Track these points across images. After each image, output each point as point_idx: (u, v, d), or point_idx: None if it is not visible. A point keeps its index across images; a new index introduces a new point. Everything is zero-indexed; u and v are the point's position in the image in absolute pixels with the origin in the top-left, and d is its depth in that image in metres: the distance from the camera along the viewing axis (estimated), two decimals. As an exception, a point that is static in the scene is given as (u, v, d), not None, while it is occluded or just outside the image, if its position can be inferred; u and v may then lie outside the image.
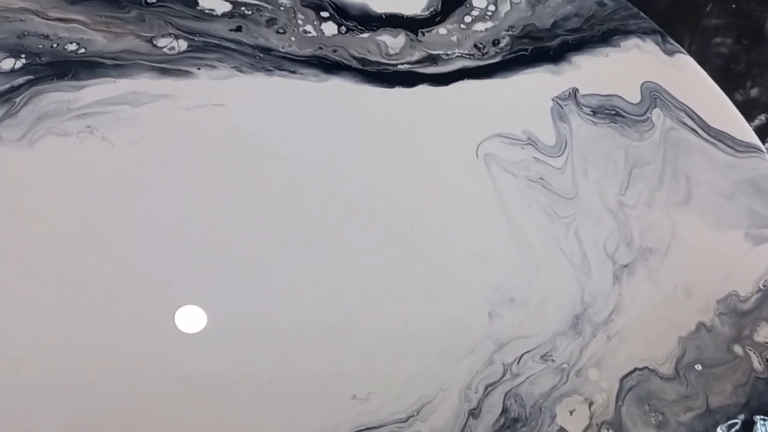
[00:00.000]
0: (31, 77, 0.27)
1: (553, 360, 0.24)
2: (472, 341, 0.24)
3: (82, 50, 0.28)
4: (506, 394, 0.24)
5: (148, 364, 0.23)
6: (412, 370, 0.23)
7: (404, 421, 0.23)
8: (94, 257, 0.24)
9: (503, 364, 0.24)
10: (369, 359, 0.23)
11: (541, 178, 0.27)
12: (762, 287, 0.26)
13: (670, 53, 0.31)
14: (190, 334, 0.23)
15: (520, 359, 0.24)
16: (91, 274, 0.24)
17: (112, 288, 0.24)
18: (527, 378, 0.24)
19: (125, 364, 0.23)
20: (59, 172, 0.25)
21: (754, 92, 0.40)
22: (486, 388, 0.24)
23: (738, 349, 0.25)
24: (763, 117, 0.38)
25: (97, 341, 0.23)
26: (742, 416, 0.24)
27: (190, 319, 0.24)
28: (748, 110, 0.38)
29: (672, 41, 0.32)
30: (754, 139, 0.29)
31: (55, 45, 0.27)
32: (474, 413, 0.23)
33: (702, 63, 0.38)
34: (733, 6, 0.41)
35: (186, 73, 0.28)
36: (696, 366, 0.25)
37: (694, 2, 0.41)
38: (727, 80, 0.39)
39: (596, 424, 0.23)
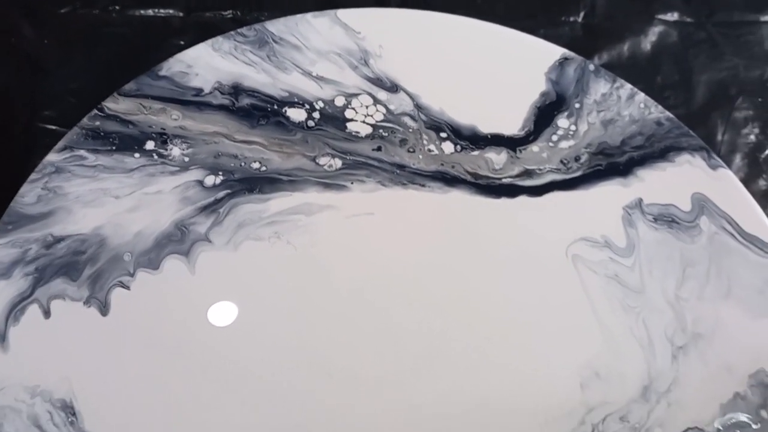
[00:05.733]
0: (229, 191, 0.34)
1: (628, 421, 0.32)
2: (568, 406, 0.32)
3: (264, 168, 0.35)
4: (595, 447, 0.32)
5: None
6: (526, 428, 0.32)
7: (521, 467, 0.31)
8: (283, 337, 0.33)
9: (591, 424, 0.32)
10: (495, 420, 0.32)
11: (616, 275, 0.35)
12: (784, 365, 0.34)
13: (713, 167, 0.37)
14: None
15: (604, 420, 0.32)
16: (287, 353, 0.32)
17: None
18: (609, 435, 0.32)
19: None
20: (257, 269, 0.33)
21: (777, 177, 0.44)
22: (580, 442, 0.32)
23: (764, 413, 0.33)
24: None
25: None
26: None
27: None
28: (772, 194, 0.43)
29: (716, 157, 0.37)
30: (781, 243, 0.36)
31: (243, 164, 0.35)
32: (571, 461, 0.32)
33: (732, 151, 0.45)
34: (760, 100, 0.46)
35: (342, 187, 0.36)
36: (733, 426, 0.33)
37: (727, 96, 0.46)
38: (753, 167, 0.44)
39: (660, 470, 0.32)
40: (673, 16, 0.47)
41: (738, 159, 0.44)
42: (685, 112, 0.44)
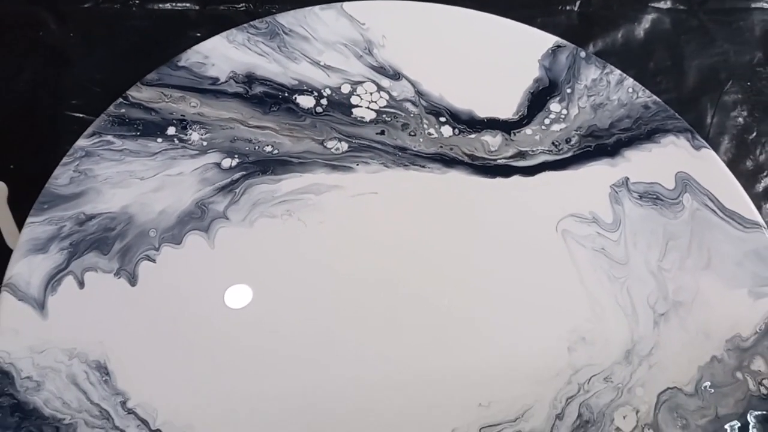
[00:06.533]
0: (244, 173, 0.37)
1: (612, 381, 0.35)
2: (557, 368, 0.35)
3: (276, 151, 0.38)
4: (581, 404, 0.35)
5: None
6: (518, 388, 0.34)
7: (513, 421, 0.34)
8: (299, 308, 0.35)
9: (578, 384, 0.35)
10: (490, 381, 0.34)
11: (603, 249, 0.38)
12: (758, 331, 0.36)
13: (697, 148, 0.39)
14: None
15: (589, 380, 0.35)
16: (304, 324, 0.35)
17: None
18: (594, 393, 0.35)
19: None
20: (270, 244, 0.36)
21: (762, 158, 0.46)
22: (567, 400, 0.35)
23: (739, 375, 0.35)
24: (768, 179, 0.45)
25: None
26: (740, 421, 0.35)
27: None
28: (756, 173, 0.45)
29: (699, 138, 0.39)
30: (758, 218, 0.38)
31: (257, 147, 0.38)
32: (559, 417, 0.34)
33: (721, 133, 0.46)
34: (748, 84, 0.47)
35: (349, 168, 0.38)
36: (710, 387, 0.35)
37: (717, 80, 0.47)
38: (741, 148, 0.46)
39: (641, 425, 0.34)
40: (666, 4, 0.48)
41: (726, 140, 0.46)
42: (676, 96, 0.46)
